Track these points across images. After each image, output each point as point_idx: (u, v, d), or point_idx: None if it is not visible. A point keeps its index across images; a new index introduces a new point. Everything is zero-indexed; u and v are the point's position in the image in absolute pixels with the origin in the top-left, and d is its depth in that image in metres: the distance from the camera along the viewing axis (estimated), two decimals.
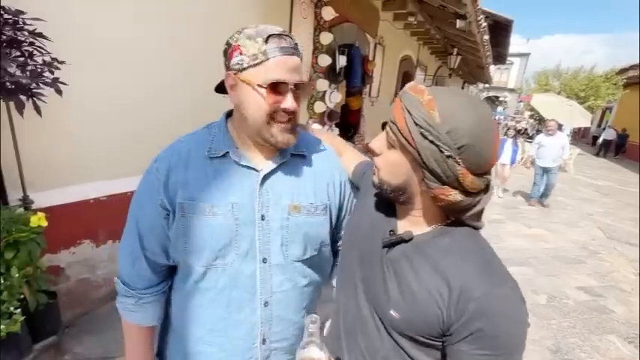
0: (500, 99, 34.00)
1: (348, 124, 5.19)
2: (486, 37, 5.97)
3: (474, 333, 0.50)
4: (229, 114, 0.77)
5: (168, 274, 0.79)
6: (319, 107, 3.86)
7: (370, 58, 4.96)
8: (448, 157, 0.50)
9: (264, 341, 0.74)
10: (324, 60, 3.67)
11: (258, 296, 0.72)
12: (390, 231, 0.64)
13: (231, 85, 0.67)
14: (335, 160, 0.85)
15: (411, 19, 5.30)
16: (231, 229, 0.69)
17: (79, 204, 1.91)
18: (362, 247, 0.69)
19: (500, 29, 8.25)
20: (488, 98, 32.69)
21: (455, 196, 0.53)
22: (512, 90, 31.45)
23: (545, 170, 5.58)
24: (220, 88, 0.74)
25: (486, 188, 0.56)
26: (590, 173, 9.80)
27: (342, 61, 4.10)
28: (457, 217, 0.57)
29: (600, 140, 15.84)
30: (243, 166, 0.71)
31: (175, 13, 2.16)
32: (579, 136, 22.05)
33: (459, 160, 0.51)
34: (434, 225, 0.60)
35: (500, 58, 11.28)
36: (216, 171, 0.70)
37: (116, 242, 2.13)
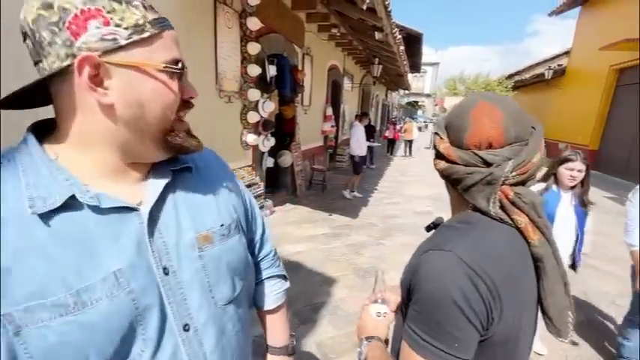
0: (420, 103, 37.65)
1: (283, 132, 5.22)
2: (402, 47, 6.59)
3: (413, 287, 0.56)
4: (39, 130, 0.48)
5: None
6: (253, 117, 3.82)
7: (300, 68, 5.09)
8: (435, 133, 0.66)
9: None
10: (254, 70, 3.66)
11: None
12: (432, 222, 0.74)
13: (92, 75, 0.42)
14: (220, 160, 0.68)
15: (334, 30, 5.59)
16: (128, 310, 0.45)
17: None
18: None
19: (412, 41, 9.20)
20: (409, 103, 35.93)
21: (440, 164, 0.64)
22: (428, 95, 35.04)
23: None
24: (13, 100, 0.46)
25: (485, 165, 0.57)
26: None
27: (272, 70, 4.13)
28: (459, 188, 0.61)
29: None
30: (108, 209, 0.46)
31: None
32: None
33: (443, 136, 0.64)
34: (458, 212, 0.67)
35: (415, 66, 12.54)
36: (60, 234, 0.42)
37: None
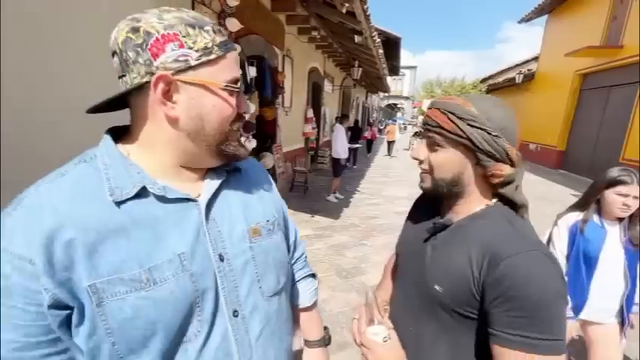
0: (399, 106, 38.42)
1: (265, 134, 5.19)
2: (381, 51, 6.72)
3: (502, 295, 0.55)
4: (116, 134, 0.55)
5: None
6: None
7: (280, 70, 5.08)
8: (496, 136, 0.61)
9: None
10: None
11: None
12: (434, 223, 0.72)
13: (164, 91, 0.48)
14: (261, 166, 0.77)
15: (314, 33, 5.62)
16: (190, 291, 0.50)
17: None
18: (409, 248, 0.78)
19: (391, 45, 9.40)
20: (388, 106, 36.58)
21: (507, 169, 0.63)
22: (407, 98, 35.83)
23: None
24: (103, 108, 0.53)
25: (520, 162, 0.65)
26: None
27: (252, 72, 4.10)
28: (506, 191, 0.65)
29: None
30: (173, 199, 0.52)
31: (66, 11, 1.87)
32: None
33: (504, 139, 0.62)
34: (472, 211, 0.68)
35: (394, 69, 12.81)
36: (135, 219, 0.48)
37: None
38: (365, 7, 4.04)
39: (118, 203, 0.48)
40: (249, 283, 0.58)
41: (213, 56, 0.49)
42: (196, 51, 0.48)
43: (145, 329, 0.47)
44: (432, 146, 0.68)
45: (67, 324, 0.45)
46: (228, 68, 0.52)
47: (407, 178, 8.20)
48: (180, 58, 0.47)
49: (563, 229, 1.48)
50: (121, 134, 0.56)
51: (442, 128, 0.64)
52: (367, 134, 12.68)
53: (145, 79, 0.48)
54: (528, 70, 14.11)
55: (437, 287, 0.65)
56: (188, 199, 0.54)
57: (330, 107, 9.63)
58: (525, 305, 0.53)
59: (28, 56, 1.73)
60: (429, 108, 0.69)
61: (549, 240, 1.55)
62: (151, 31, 0.47)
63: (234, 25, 3.47)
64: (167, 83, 0.48)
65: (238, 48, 0.54)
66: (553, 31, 12.17)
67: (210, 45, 0.49)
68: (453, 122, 0.63)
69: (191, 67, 0.48)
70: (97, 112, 0.54)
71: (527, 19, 12.93)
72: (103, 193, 0.48)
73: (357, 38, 5.23)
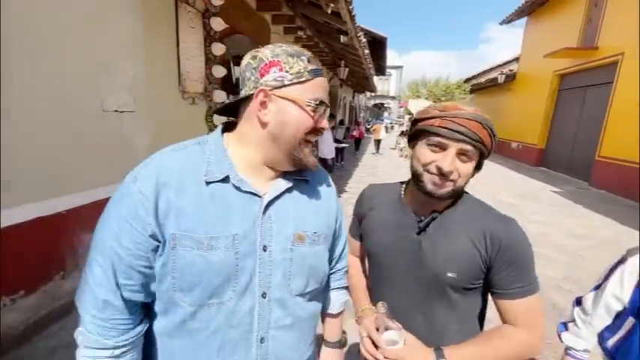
0: (385, 105, 38.77)
1: None
2: (367, 51, 6.78)
3: (507, 261, 0.71)
4: (226, 129, 0.70)
5: (145, 313, 0.68)
6: (218, 119, 3.73)
7: None
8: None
9: None
10: (219, 71, 3.58)
11: (254, 334, 0.66)
12: (420, 219, 0.79)
13: (262, 101, 0.62)
14: (332, 185, 0.83)
15: (300, 33, 5.62)
16: (231, 263, 0.62)
17: None
18: (397, 248, 0.81)
19: (377, 45, 9.49)
20: (375, 105, 36.86)
21: None
22: (393, 97, 36.19)
23: None
24: (222, 111, 0.71)
25: None
26: None
27: (237, 71, 4.06)
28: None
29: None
30: (244, 191, 0.64)
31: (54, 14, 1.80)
32: None
33: None
34: (445, 204, 0.79)
35: (380, 69, 12.96)
36: (214, 197, 0.62)
37: None
38: (350, 7, 4.06)
39: (208, 183, 0.62)
40: (280, 278, 0.67)
41: (303, 79, 0.63)
42: (291, 74, 0.62)
43: (194, 277, 0.61)
44: (462, 156, 0.71)
45: (154, 251, 0.60)
46: (314, 90, 0.64)
47: (394, 178, 8.27)
48: (278, 78, 0.62)
49: (633, 271, 0.92)
50: (229, 128, 0.71)
51: (482, 143, 0.71)
52: (355, 133, 12.80)
53: (251, 92, 0.63)
54: (510, 70, 14.49)
55: (450, 274, 0.73)
56: (255, 194, 0.66)
57: None
58: (520, 265, 0.71)
59: (21, 57, 1.67)
60: (468, 119, 0.69)
61: (607, 277, 0.97)
62: (263, 58, 0.63)
63: (218, 24, 3.43)
64: (265, 95, 0.62)
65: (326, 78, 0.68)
66: (532, 32, 12.54)
67: (302, 70, 0.63)
68: (491, 138, 0.72)
69: (285, 86, 0.62)
70: (220, 115, 0.72)
71: (508, 21, 13.28)
72: (201, 171, 0.62)
73: (342, 38, 5.26)
